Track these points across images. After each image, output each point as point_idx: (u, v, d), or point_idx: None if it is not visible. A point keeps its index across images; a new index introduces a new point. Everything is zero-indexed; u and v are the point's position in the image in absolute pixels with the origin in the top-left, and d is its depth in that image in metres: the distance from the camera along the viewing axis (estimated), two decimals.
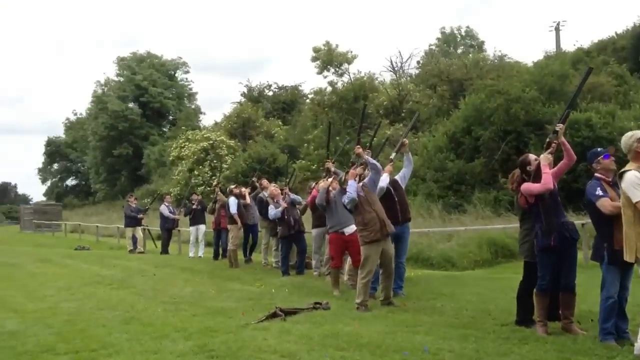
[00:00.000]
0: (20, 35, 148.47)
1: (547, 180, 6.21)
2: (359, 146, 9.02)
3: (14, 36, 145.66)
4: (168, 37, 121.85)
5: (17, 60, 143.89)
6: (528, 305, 6.78)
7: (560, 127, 6.51)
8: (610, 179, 6.02)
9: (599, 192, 5.87)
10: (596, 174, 6.07)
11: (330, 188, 10.00)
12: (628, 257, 5.50)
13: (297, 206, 12.65)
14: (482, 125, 20.98)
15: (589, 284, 6.87)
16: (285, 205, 12.27)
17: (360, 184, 8.60)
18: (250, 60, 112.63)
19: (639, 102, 21.66)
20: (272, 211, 12.41)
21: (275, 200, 12.50)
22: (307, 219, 12.86)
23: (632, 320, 6.13)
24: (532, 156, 6.65)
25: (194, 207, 17.73)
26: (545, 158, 6.33)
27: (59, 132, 72.12)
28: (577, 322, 6.54)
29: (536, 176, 6.36)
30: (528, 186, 6.38)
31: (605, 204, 5.80)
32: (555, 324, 6.57)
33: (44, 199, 66.94)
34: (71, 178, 70.73)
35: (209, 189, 20.81)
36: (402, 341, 6.18)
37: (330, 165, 11.06)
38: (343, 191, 8.81)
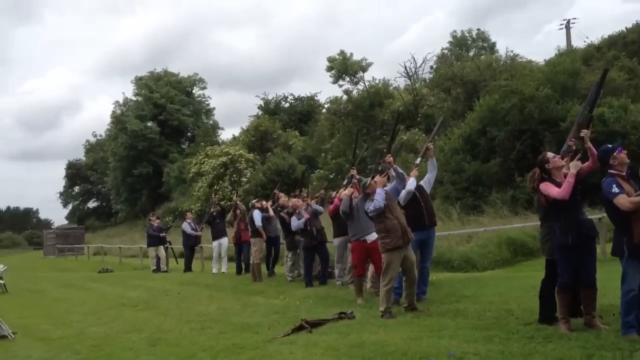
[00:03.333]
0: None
1: (566, 191, 6.21)
2: (389, 155, 9.25)
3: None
4: (185, 55, 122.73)
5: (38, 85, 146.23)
6: (551, 303, 6.81)
7: (585, 132, 6.51)
8: (624, 174, 6.05)
9: (615, 189, 5.89)
10: (610, 170, 6.09)
11: (353, 196, 10.11)
12: None
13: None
14: (496, 126, 20.96)
15: (608, 279, 6.89)
16: (307, 216, 12.37)
17: (384, 191, 8.69)
18: (269, 74, 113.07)
19: None
20: (295, 222, 12.51)
21: (297, 212, 12.59)
22: (328, 229, 12.93)
23: None
24: (550, 154, 6.65)
25: (212, 211, 17.91)
26: (575, 166, 6.31)
27: (80, 155, 72.79)
28: (599, 317, 6.56)
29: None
30: (547, 187, 6.40)
31: (622, 202, 5.82)
32: (577, 320, 6.60)
33: (65, 222, 67.55)
34: (92, 200, 71.34)
35: (229, 203, 20.95)
36: (428, 347, 6.24)
37: (354, 172, 11.17)
38: (365, 197, 8.89)
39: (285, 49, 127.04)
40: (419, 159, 9.88)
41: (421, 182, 9.79)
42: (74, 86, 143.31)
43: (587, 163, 6.44)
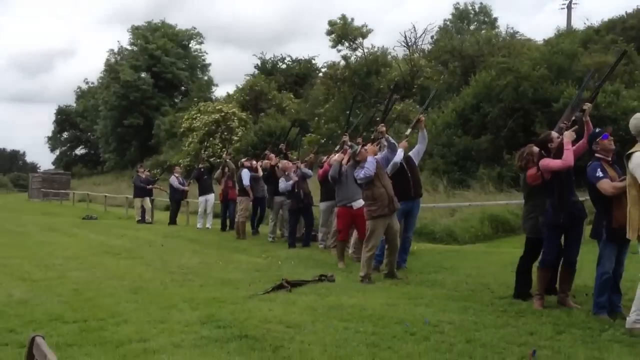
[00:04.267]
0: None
1: (569, 158, 6.28)
2: (383, 124, 9.30)
3: None
4: (186, 8, 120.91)
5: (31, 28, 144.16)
6: (526, 280, 6.98)
7: (588, 106, 6.57)
8: (609, 159, 6.14)
9: (599, 173, 5.99)
10: (596, 154, 6.18)
11: (343, 162, 10.16)
12: (631, 235, 5.64)
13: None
14: (490, 102, 21.06)
15: (584, 260, 7.03)
16: (296, 178, 12.42)
17: (375, 160, 8.74)
18: (269, 33, 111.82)
19: None
20: (283, 184, 12.55)
21: (286, 174, 12.63)
22: (315, 192, 13.00)
23: (625, 295, 6.33)
24: (554, 134, 6.68)
25: (201, 167, 17.98)
26: (569, 135, 6.39)
27: (70, 101, 72.08)
28: (572, 296, 6.74)
29: (557, 154, 6.44)
30: (547, 162, 6.44)
31: (605, 186, 5.92)
32: (551, 297, 6.77)
33: (52, 167, 67.21)
34: (80, 147, 70.75)
35: (218, 160, 20.95)
36: (404, 313, 6.39)
37: (346, 138, 11.20)
38: (355, 164, 8.95)
39: (287, 9, 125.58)
40: (409, 130, 9.93)
41: (410, 153, 9.84)
42: (70, 32, 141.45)
43: (581, 141, 6.52)
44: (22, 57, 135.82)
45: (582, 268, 7.05)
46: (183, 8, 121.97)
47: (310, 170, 13.09)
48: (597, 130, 6.35)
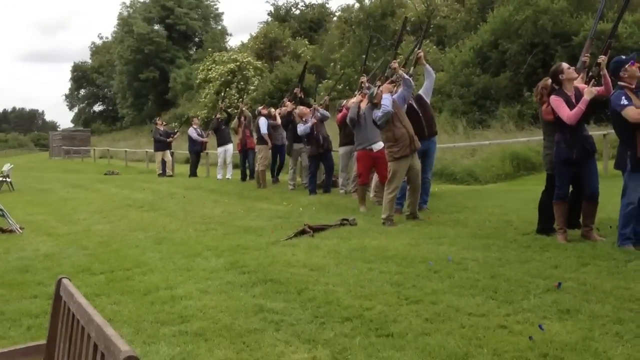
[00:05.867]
0: None
1: (576, 118, 6.21)
2: (395, 61, 9.15)
3: None
4: None
5: None
6: (549, 215, 6.92)
7: (602, 59, 6.44)
8: (633, 86, 6.01)
9: (624, 101, 5.89)
10: (620, 83, 6.06)
11: (361, 104, 10.05)
12: None
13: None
14: (509, 39, 20.64)
15: (608, 194, 6.97)
16: (314, 120, 12.33)
17: (392, 97, 8.60)
18: None
19: None
20: (301, 127, 12.47)
21: (304, 119, 12.54)
22: (334, 138, 12.94)
23: None
24: (565, 65, 6.59)
25: (219, 117, 17.96)
26: (590, 92, 6.26)
27: (86, 58, 72.03)
28: (596, 229, 6.69)
29: (577, 99, 6.36)
30: (558, 105, 6.36)
31: (630, 113, 5.82)
32: (574, 231, 6.74)
33: (71, 125, 67.69)
34: (98, 103, 71.13)
35: (235, 111, 20.88)
36: (427, 252, 6.40)
37: (364, 80, 11.06)
38: (373, 106, 8.84)
39: None
40: (411, 68, 9.63)
41: (420, 92, 9.69)
42: None
43: (599, 88, 6.39)
44: (39, 16, 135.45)
45: (606, 201, 7.00)
46: None
47: (327, 112, 12.96)
48: (624, 57, 6.20)
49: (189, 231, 8.95)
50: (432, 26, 29.18)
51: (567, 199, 6.60)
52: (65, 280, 2.67)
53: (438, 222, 8.37)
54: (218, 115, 18.21)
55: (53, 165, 36.14)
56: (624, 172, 6.04)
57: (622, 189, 6.06)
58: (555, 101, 6.39)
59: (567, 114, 6.25)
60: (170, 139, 20.49)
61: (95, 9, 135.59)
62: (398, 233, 7.72)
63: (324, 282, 5.41)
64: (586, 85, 6.46)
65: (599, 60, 6.45)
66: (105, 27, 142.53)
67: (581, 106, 6.21)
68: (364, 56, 11.95)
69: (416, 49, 9.67)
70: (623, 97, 5.91)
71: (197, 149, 19.42)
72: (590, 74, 6.61)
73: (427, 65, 9.76)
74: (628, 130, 5.93)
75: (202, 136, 19.49)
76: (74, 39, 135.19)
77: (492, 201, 10.20)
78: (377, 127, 8.77)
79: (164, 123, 22.80)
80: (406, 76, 8.81)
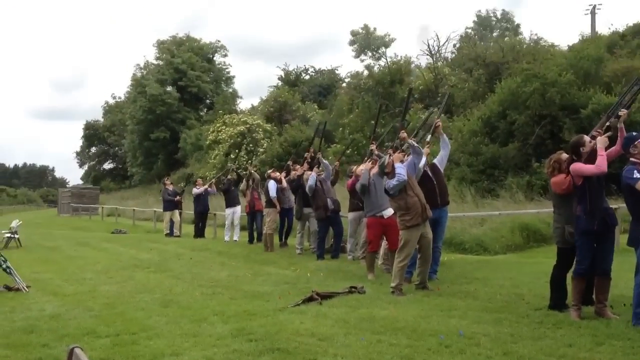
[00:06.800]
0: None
1: (602, 163, 6.13)
2: (403, 130, 9.22)
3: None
4: (213, 23, 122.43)
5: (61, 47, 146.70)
6: (561, 290, 6.83)
7: (623, 112, 6.40)
8: None
9: (636, 175, 5.87)
10: (631, 159, 6.06)
11: (371, 171, 10.09)
12: None
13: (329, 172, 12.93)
14: (517, 110, 20.82)
15: (620, 269, 6.88)
16: (318, 171, 12.45)
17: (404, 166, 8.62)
18: (292, 46, 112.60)
19: None
20: (309, 181, 12.55)
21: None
22: (343, 203, 12.94)
23: None
24: (586, 138, 6.55)
25: (230, 178, 18.22)
26: (602, 141, 6.24)
27: (98, 116, 73.16)
28: (610, 307, 6.58)
29: (589, 158, 6.31)
30: (579, 167, 6.32)
31: None
32: (588, 308, 6.62)
33: (81, 182, 68.12)
34: (108, 162, 71.90)
35: (244, 172, 21.02)
36: (438, 325, 6.29)
37: (374, 147, 11.14)
38: (382, 174, 8.87)
39: (310, 20, 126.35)
40: (429, 137, 9.75)
41: (434, 161, 9.75)
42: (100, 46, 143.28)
43: (615, 147, 6.37)
44: (55, 74, 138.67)
45: (619, 277, 6.91)
46: (207, 22, 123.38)
47: (330, 166, 13.20)
48: (634, 134, 6.21)
49: (195, 294, 8.87)
50: (439, 95, 29.61)
51: (586, 275, 6.49)
52: (77, 350, 2.64)
53: (448, 293, 8.27)
54: (229, 176, 18.31)
55: (61, 222, 36.19)
56: (637, 249, 5.97)
57: (636, 266, 5.98)
58: (575, 166, 6.35)
59: (592, 167, 6.17)
60: (178, 197, 20.57)
61: (110, 69, 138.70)
62: (408, 303, 7.62)
63: (333, 353, 5.31)
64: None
65: (620, 113, 6.38)
66: (119, 87, 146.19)
67: (601, 153, 6.13)
68: (373, 122, 12.11)
69: (433, 117, 9.78)
70: (635, 171, 5.90)
71: (199, 210, 19.46)
72: (608, 124, 6.55)
73: (444, 135, 9.85)
74: None
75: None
76: (88, 98, 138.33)
77: (502, 273, 10.08)
78: (389, 196, 8.74)
79: (172, 182, 22.93)
80: (415, 144, 8.83)
